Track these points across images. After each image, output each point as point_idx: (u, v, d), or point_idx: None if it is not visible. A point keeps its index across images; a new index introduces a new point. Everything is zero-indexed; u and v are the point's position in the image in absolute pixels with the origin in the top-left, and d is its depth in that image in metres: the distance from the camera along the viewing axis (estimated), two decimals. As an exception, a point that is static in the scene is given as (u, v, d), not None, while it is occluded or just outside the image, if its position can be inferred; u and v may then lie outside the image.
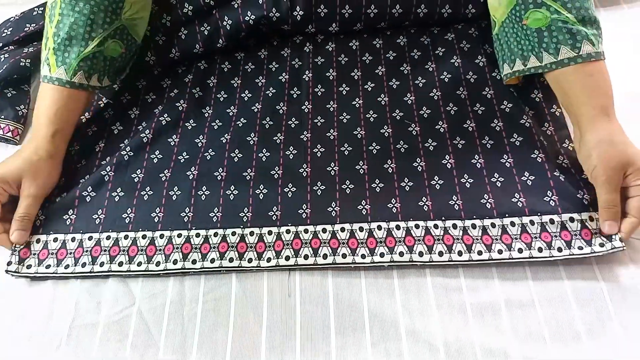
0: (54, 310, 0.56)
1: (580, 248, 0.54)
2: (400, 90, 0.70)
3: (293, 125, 0.68)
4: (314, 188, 0.61)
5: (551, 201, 0.57)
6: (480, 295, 0.54)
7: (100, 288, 0.58)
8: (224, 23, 0.71)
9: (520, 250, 0.55)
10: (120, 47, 0.66)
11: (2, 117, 0.71)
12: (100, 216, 0.62)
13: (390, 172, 0.62)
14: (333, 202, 0.60)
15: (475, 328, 0.52)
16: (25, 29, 0.79)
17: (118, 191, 0.63)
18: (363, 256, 0.56)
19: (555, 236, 0.55)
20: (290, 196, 0.61)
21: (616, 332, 0.51)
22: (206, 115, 0.70)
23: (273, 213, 0.60)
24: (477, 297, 0.54)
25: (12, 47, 0.77)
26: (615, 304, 0.52)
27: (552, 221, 0.56)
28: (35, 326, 0.56)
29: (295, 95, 0.71)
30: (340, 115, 0.68)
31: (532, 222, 0.56)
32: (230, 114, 0.70)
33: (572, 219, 0.56)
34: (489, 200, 0.58)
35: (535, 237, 0.55)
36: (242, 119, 0.69)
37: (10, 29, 0.79)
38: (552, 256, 0.54)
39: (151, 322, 0.55)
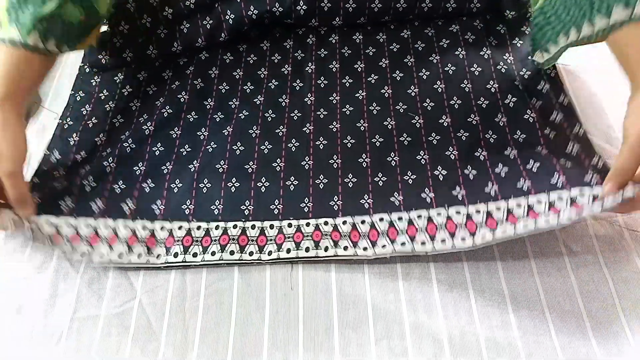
0: (54, 303, 0.56)
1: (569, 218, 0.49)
2: (404, 82, 0.69)
3: (295, 118, 0.67)
4: (316, 181, 0.61)
5: (559, 182, 0.54)
6: (485, 289, 0.53)
7: (101, 281, 0.57)
8: (227, 17, 0.71)
9: (525, 226, 0.51)
10: (80, 13, 0.62)
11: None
12: (99, 206, 0.61)
13: (393, 165, 0.61)
14: (335, 196, 0.59)
15: (480, 323, 0.51)
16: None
17: (119, 183, 0.63)
18: (365, 249, 0.55)
19: (564, 210, 0.51)
20: (292, 189, 0.61)
21: (623, 328, 0.50)
22: (208, 107, 0.69)
23: (275, 207, 0.59)
24: (481, 291, 0.53)
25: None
26: (621, 297, 0.52)
27: (560, 198, 0.52)
28: (36, 320, 0.55)
29: (297, 88, 0.70)
30: (343, 107, 0.67)
31: (539, 201, 0.53)
32: (232, 106, 0.69)
33: (582, 194, 0.51)
34: (493, 188, 0.57)
35: (544, 214, 0.52)
36: (244, 111, 0.68)
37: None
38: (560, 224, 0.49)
39: (152, 316, 0.55)
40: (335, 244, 0.56)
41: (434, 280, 0.54)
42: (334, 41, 0.74)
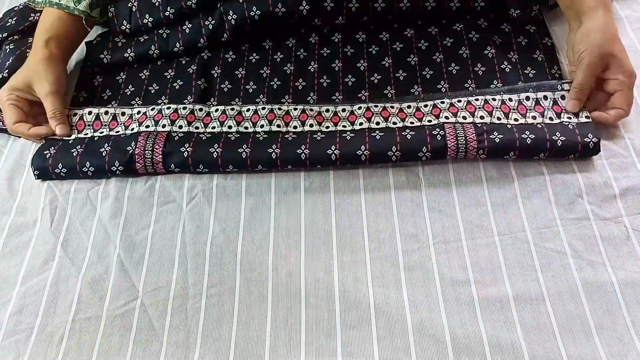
0: (55, 304, 0.56)
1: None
2: (407, 81, 0.68)
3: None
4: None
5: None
6: (488, 288, 0.53)
7: (103, 282, 0.57)
8: (229, 17, 0.70)
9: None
10: None
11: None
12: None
13: (393, 159, 0.61)
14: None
15: (483, 322, 0.51)
16: (29, 19, 0.78)
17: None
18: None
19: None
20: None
21: (627, 328, 0.50)
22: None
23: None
24: (485, 290, 0.53)
25: (17, 37, 0.76)
26: (626, 299, 0.51)
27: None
28: (36, 320, 0.55)
29: (300, 87, 0.70)
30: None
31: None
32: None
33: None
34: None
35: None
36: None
37: (14, 19, 0.78)
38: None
39: (154, 317, 0.54)
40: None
41: (436, 278, 0.54)
42: (336, 40, 0.74)
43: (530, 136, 0.59)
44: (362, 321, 0.52)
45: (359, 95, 0.68)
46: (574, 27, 0.63)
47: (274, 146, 0.61)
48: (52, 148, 0.66)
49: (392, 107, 0.64)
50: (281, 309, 0.54)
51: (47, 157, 0.65)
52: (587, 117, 0.61)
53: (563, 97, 0.62)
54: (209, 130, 0.65)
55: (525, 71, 0.67)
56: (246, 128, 0.64)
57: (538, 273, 0.53)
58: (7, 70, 0.71)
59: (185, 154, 0.62)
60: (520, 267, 0.54)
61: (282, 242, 0.58)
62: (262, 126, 0.64)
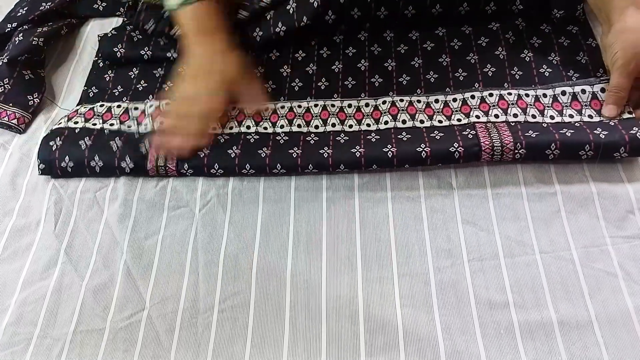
0: (56, 314, 0.53)
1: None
2: (438, 84, 0.64)
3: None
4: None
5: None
6: (529, 313, 0.48)
7: (108, 291, 0.54)
8: (254, 34, 0.68)
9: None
10: None
11: (11, 104, 0.68)
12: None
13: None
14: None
15: (525, 351, 0.46)
16: (40, 8, 0.75)
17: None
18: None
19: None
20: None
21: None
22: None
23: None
24: (526, 315, 0.48)
25: (27, 27, 0.74)
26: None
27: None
28: (35, 331, 0.52)
29: (323, 87, 0.66)
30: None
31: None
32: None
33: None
34: None
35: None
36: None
37: (25, 8, 0.76)
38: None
39: (162, 331, 0.51)
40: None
41: (472, 299, 0.50)
42: (362, 39, 0.70)
43: (569, 131, 0.55)
44: (389, 345, 0.48)
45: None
46: (605, 30, 0.61)
47: (295, 148, 0.59)
48: (59, 138, 0.63)
49: (419, 101, 0.62)
50: (299, 327, 0.50)
51: (54, 149, 0.62)
52: (629, 112, 0.58)
53: (603, 90, 0.59)
54: (226, 131, 0.62)
55: (568, 74, 0.62)
56: (265, 129, 0.62)
57: (586, 297, 0.49)
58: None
59: (202, 155, 0.59)
60: (565, 289, 0.49)
61: (301, 254, 0.54)
62: (282, 126, 0.62)
